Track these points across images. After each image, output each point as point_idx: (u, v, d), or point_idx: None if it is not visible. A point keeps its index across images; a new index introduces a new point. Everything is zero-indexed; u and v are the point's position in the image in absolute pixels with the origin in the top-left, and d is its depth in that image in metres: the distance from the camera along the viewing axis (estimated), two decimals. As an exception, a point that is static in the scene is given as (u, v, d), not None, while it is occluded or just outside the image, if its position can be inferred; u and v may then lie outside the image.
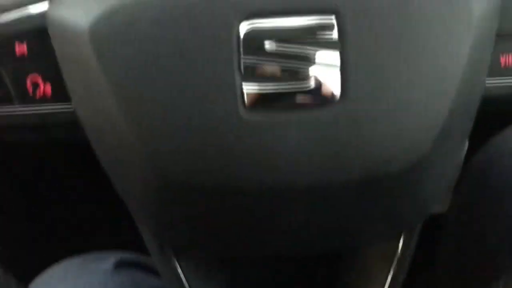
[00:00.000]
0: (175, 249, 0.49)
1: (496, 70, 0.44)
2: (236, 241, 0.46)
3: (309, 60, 0.37)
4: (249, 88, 0.37)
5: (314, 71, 0.37)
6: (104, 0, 0.37)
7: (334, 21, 0.36)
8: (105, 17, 0.37)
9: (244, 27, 0.36)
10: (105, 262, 0.53)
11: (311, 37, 0.36)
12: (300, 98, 0.37)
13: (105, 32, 0.37)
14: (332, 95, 0.37)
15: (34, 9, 0.41)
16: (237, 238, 0.45)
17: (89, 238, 0.86)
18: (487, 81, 0.43)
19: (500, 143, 0.58)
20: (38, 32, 0.41)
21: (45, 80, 0.42)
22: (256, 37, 0.36)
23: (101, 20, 0.37)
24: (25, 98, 0.43)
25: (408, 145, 0.39)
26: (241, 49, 0.36)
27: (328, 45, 0.36)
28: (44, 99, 0.43)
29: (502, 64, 0.45)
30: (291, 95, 0.37)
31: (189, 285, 0.51)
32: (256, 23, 0.36)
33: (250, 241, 0.46)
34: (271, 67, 0.37)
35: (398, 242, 0.50)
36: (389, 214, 0.45)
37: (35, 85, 0.43)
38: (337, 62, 0.36)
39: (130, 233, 0.51)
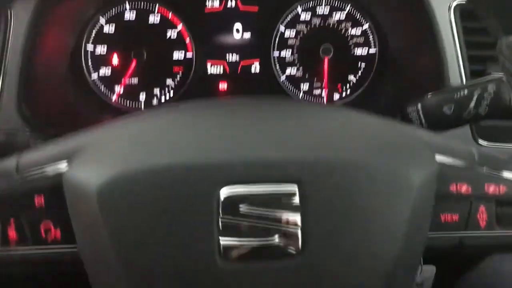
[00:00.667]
0: None
1: (437, 225, 0.52)
2: None
3: (276, 221, 0.45)
4: (225, 242, 0.44)
5: (279, 230, 0.45)
6: (110, 169, 0.46)
7: (297, 190, 0.45)
8: (111, 183, 0.45)
9: (223, 193, 0.44)
10: None
11: (278, 202, 0.45)
12: (267, 251, 0.45)
13: (109, 195, 0.45)
14: (294, 250, 0.45)
15: (53, 168, 0.49)
16: None
17: None
18: (430, 234, 0.50)
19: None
20: (55, 188, 0.48)
21: (56, 226, 0.50)
22: (232, 201, 0.45)
23: (107, 185, 0.45)
24: (38, 240, 0.50)
25: None
26: (220, 210, 0.44)
27: (292, 208, 0.45)
28: (54, 242, 0.50)
29: (442, 220, 0.52)
30: (260, 248, 0.45)
31: None
32: (233, 190, 0.45)
33: None
34: (244, 226, 0.45)
35: None
36: None
37: (47, 230, 0.50)
38: (299, 222, 0.45)
39: None
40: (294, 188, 0.45)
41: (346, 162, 0.46)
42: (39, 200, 0.49)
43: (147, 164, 0.45)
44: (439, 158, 0.50)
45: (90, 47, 0.90)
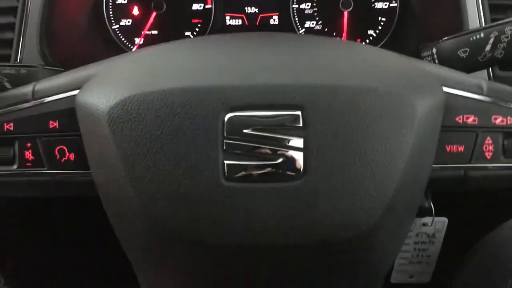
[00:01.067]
0: None
1: (442, 157, 0.52)
2: None
3: (279, 144, 0.46)
4: (229, 162, 0.46)
5: (282, 153, 0.46)
6: (119, 91, 0.47)
7: (300, 114, 0.45)
8: (120, 104, 0.47)
9: (228, 116, 0.46)
10: None
11: (282, 126, 0.46)
12: (270, 173, 0.46)
13: (119, 116, 0.47)
14: (296, 172, 0.46)
15: (67, 93, 0.51)
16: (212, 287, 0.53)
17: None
18: (434, 166, 0.50)
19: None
20: (68, 113, 0.51)
21: (69, 150, 0.52)
22: (237, 124, 0.46)
23: (117, 107, 0.47)
24: (53, 163, 0.52)
25: (359, 216, 0.47)
26: (225, 133, 0.46)
27: (295, 132, 0.46)
28: (68, 165, 0.52)
29: (448, 151, 0.52)
30: (263, 170, 0.46)
31: None
32: (238, 113, 0.46)
33: None
34: (248, 148, 0.46)
35: None
36: (346, 275, 0.52)
37: (62, 154, 0.52)
38: (301, 146, 0.46)
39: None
40: (298, 112, 0.45)
41: (351, 86, 0.46)
42: (53, 124, 0.51)
43: (156, 86, 0.46)
44: (447, 88, 0.50)
45: (111, -3, 0.91)
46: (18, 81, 0.56)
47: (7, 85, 0.56)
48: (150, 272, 0.54)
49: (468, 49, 0.63)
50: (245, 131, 0.45)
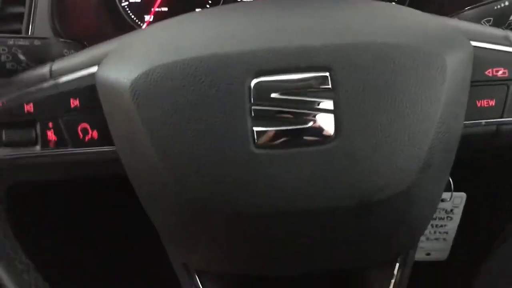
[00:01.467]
0: (198, 268, 0.57)
1: (473, 112, 0.50)
2: (250, 260, 0.53)
3: (308, 106, 0.45)
4: (258, 129, 0.44)
5: (312, 115, 0.45)
6: (141, 63, 0.46)
7: (329, 75, 0.44)
8: (143, 77, 0.45)
9: (254, 81, 0.44)
10: None
11: (310, 88, 0.45)
12: (301, 137, 0.45)
13: (143, 89, 0.45)
14: (328, 135, 0.45)
15: (86, 70, 0.50)
16: (251, 257, 0.53)
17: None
18: (465, 122, 0.49)
19: None
20: (89, 90, 0.49)
21: (92, 128, 0.51)
22: (264, 89, 0.44)
23: (140, 79, 0.45)
24: (77, 142, 0.51)
25: (395, 176, 0.46)
26: (252, 99, 0.44)
27: (324, 94, 0.44)
28: (92, 143, 0.51)
29: (478, 107, 0.51)
30: (293, 134, 0.45)
31: None
32: (264, 78, 0.44)
33: (262, 260, 0.53)
34: (277, 112, 0.45)
35: (395, 265, 0.56)
36: (383, 237, 0.51)
37: (85, 132, 0.51)
38: (331, 107, 0.44)
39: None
40: (326, 73, 0.44)
41: (378, 44, 0.44)
42: (74, 103, 0.50)
43: (179, 56, 0.45)
44: (474, 42, 0.49)
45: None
46: (32, 52, 0.55)
47: (21, 56, 0.54)
48: (185, 248, 0.53)
49: (492, 19, 0.62)
50: (272, 95, 0.44)
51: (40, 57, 0.55)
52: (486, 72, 0.49)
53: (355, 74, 0.44)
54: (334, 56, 0.44)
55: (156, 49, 0.47)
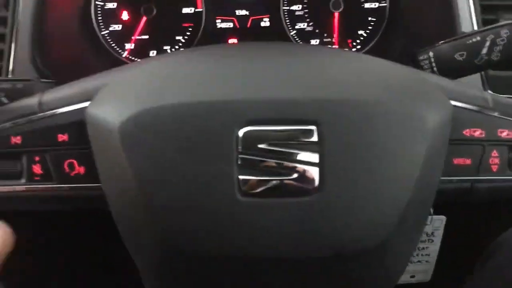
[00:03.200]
0: None
1: (450, 169, 0.52)
2: None
3: (294, 158, 0.46)
4: (244, 178, 0.45)
5: (297, 167, 0.46)
6: (132, 105, 0.47)
7: (315, 129, 0.45)
8: (132, 119, 0.46)
9: (242, 131, 0.45)
10: None
11: (296, 141, 0.46)
12: (284, 188, 0.46)
13: (131, 131, 0.46)
14: (311, 187, 0.46)
15: (75, 106, 0.50)
16: None
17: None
18: (441, 178, 0.51)
19: None
20: (77, 125, 0.49)
21: (79, 164, 0.51)
22: (251, 139, 0.45)
23: (129, 121, 0.46)
24: (62, 177, 0.51)
25: (372, 229, 0.47)
26: (239, 148, 0.45)
27: (310, 147, 0.46)
28: (78, 179, 0.51)
29: (455, 164, 0.53)
30: (277, 185, 0.46)
31: None
32: (252, 128, 0.45)
33: None
34: (263, 163, 0.46)
35: None
36: (357, 286, 0.52)
37: (71, 167, 0.51)
38: (317, 161, 0.46)
39: None
40: (312, 126, 0.45)
41: (364, 101, 0.46)
42: (62, 137, 0.50)
43: (169, 101, 0.46)
44: (454, 102, 0.51)
45: (100, 1, 0.89)
46: (15, 95, 0.55)
47: (4, 100, 0.54)
48: (161, 286, 0.54)
49: (465, 53, 0.64)
50: (259, 146, 0.45)
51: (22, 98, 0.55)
52: (464, 132, 0.51)
53: (340, 129, 0.45)
54: (321, 110, 0.45)
55: (148, 91, 0.48)
